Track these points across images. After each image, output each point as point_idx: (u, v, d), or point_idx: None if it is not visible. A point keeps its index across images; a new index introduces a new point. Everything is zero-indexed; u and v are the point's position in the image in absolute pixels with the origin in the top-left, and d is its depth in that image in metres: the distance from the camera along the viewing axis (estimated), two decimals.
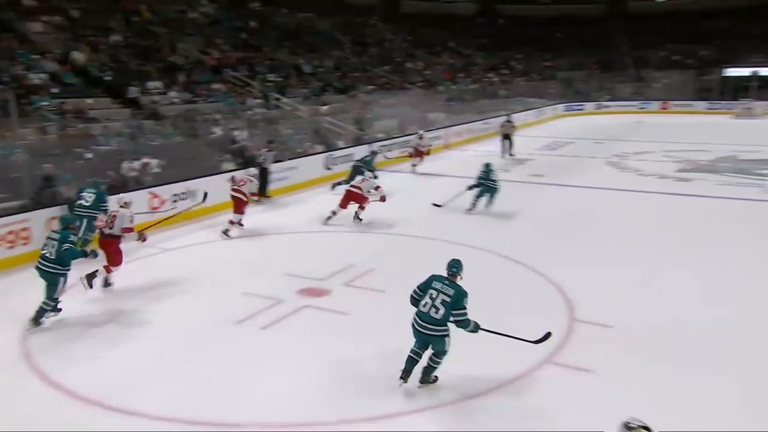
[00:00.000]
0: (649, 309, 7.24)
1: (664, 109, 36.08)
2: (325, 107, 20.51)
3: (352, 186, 11.38)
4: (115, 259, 7.64)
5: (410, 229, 10.92)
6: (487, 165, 12.19)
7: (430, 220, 11.82)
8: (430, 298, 5.10)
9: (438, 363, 5.27)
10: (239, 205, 10.42)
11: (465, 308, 5.08)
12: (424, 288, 5.22)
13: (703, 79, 38.23)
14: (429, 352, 5.28)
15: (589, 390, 5.42)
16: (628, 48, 42.84)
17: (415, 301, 5.25)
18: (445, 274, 5.26)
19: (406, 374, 5.25)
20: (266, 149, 13.41)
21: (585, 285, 7.87)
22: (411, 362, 5.25)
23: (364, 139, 18.72)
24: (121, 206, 7.81)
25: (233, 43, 23.46)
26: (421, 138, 16.67)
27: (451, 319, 5.07)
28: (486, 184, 11.94)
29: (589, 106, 37.52)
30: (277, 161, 13.68)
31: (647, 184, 15.34)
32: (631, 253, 9.38)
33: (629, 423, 3.50)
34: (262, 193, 12.81)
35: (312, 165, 15.41)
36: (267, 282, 8.14)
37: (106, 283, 7.75)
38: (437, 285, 5.13)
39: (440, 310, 5.02)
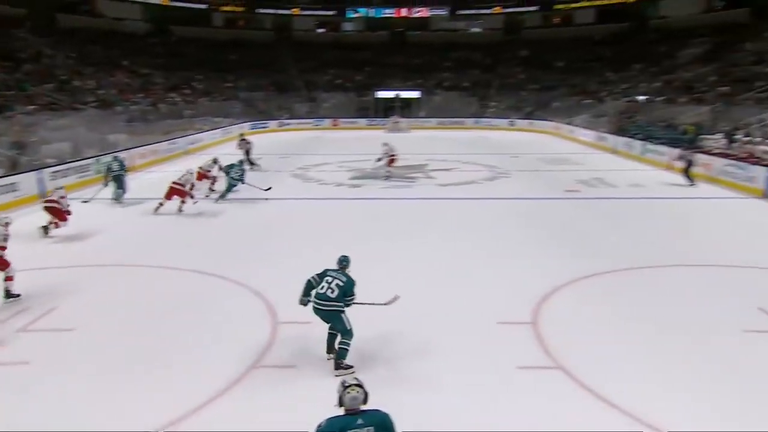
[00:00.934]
0: None
1: (335, 125, 40.33)
2: None
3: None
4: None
5: (100, 258, 10.08)
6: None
7: (124, 244, 11.13)
8: (326, 282, 6.10)
9: (346, 344, 6.04)
10: None
11: (354, 294, 6.16)
12: (321, 276, 6.23)
13: (361, 99, 44.48)
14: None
15: (294, 384, 5.83)
16: (298, 72, 46.82)
17: (310, 285, 6.24)
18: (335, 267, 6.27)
19: (329, 348, 6.25)
20: None
21: (284, 288, 8.28)
22: (331, 337, 6.26)
23: (30, 164, 16.46)
24: None
25: None
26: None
27: (345, 300, 6.07)
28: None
29: (272, 123, 39.68)
30: None
31: (328, 192, 16.93)
32: (323, 253, 10.12)
33: (345, 382, 3.85)
34: None
35: None
36: None
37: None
38: (332, 273, 6.20)
39: (335, 291, 6.02)
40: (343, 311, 6.09)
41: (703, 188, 16.69)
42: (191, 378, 5.89)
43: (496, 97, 43.71)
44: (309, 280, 6.29)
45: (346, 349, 6.06)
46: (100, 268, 9.57)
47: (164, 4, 47.94)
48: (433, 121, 40.50)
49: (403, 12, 52.10)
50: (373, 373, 5.89)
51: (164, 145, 24.02)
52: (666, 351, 6.53)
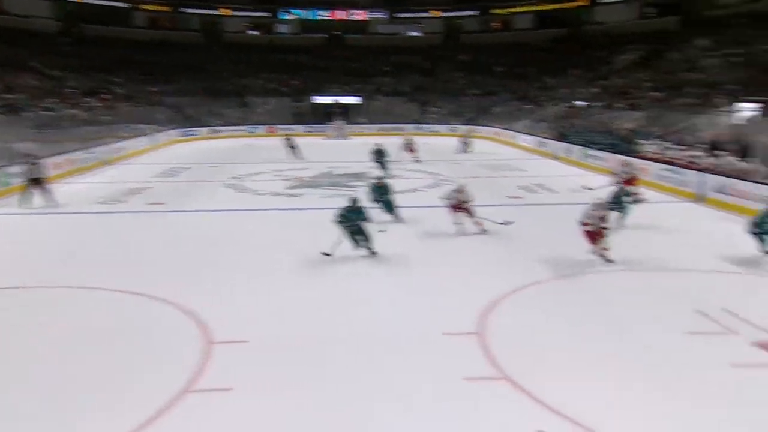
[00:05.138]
0: (281, 321, 7.84)
1: (271, 132, 39.62)
2: None
3: None
4: None
5: (14, 277, 9.58)
6: None
7: (39, 262, 10.64)
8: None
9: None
10: None
11: None
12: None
13: (297, 105, 44.04)
14: None
15: (232, 405, 5.67)
16: (229, 75, 46.02)
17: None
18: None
19: None
20: None
21: (218, 306, 8.16)
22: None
23: None
24: None
25: None
26: None
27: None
28: None
29: (203, 130, 38.96)
30: None
31: (264, 202, 16.71)
32: (260, 268, 10.08)
33: None
34: None
35: None
36: None
37: None
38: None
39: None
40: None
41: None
42: (116, 408, 5.64)
43: (437, 103, 44.31)
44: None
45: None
46: (13, 289, 9.10)
47: (77, 1, 46.37)
48: (374, 127, 40.41)
49: (340, 14, 52.20)
50: (318, 390, 5.88)
51: (80, 154, 23.05)
52: (610, 356, 6.79)
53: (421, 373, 6.39)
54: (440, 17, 53.39)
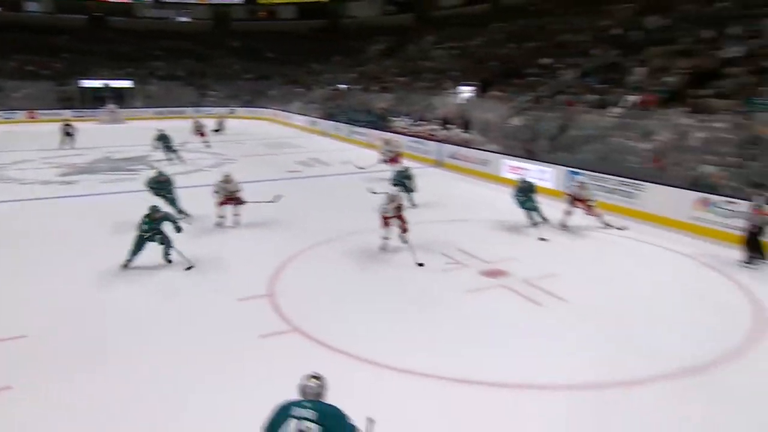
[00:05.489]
0: (62, 315, 7.10)
1: (32, 118, 33.94)
2: None
3: None
4: None
5: None
6: None
7: None
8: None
9: None
10: None
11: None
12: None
13: (62, 89, 37.68)
14: None
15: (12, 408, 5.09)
16: None
17: None
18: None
19: None
20: None
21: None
22: None
23: None
24: None
25: None
26: None
27: None
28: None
29: None
30: None
31: (32, 192, 14.44)
32: (35, 262, 8.97)
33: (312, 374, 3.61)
34: None
35: None
36: None
37: None
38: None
39: None
40: None
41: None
42: None
43: (213, 87, 42.16)
44: None
45: None
46: None
47: None
48: (151, 111, 36.63)
49: None
50: (122, 367, 5.58)
51: None
52: (381, 297, 7.53)
53: (222, 336, 6.40)
54: (207, 4, 50.25)
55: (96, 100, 36.72)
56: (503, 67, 24.10)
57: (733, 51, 15.51)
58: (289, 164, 18.67)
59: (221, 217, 10.82)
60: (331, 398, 3.67)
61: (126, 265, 8.41)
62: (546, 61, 22.06)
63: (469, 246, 9.43)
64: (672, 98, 15.04)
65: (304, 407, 3.42)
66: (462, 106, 21.62)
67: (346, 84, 34.68)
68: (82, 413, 4.97)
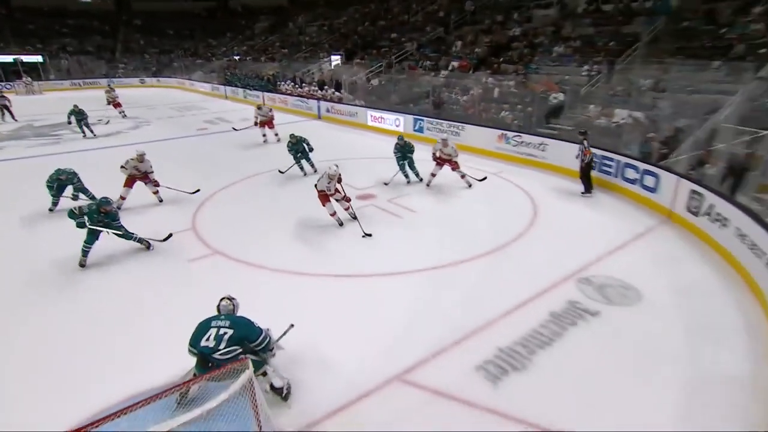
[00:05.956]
0: None
1: None
2: None
3: None
4: None
5: None
6: None
7: None
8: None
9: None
10: None
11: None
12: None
13: None
14: None
15: None
16: None
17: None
18: None
19: None
20: None
21: None
22: None
23: None
24: None
25: None
26: None
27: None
28: None
29: None
30: None
31: None
32: None
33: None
34: None
35: None
36: None
37: None
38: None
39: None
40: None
41: (280, 116, 17.38)
42: None
43: (122, 60, 36.19)
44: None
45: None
46: None
47: None
48: (66, 83, 30.87)
49: None
50: (68, 295, 4.88)
51: None
52: (289, 227, 7.19)
53: (158, 264, 5.80)
54: None
55: (12, 73, 29.92)
56: (362, 40, 23.22)
57: (515, 31, 16.31)
58: (198, 123, 16.88)
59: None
60: (252, 299, 3.56)
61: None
62: (393, 36, 21.64)
63: (348, 178, 9.25)
64: (479, 64, 15.61)
65: (221, 319, 3.48)
66: (333, 71, 20.74)
67: (238, 55, 31.65)
68: (42, 340, 4.34)
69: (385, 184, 8.96)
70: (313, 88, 19.61)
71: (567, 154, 8.93)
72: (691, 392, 3.68)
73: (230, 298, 3.69)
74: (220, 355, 3.29)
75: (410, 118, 13.48)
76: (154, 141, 13.74)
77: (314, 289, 5.22)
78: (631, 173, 7.94)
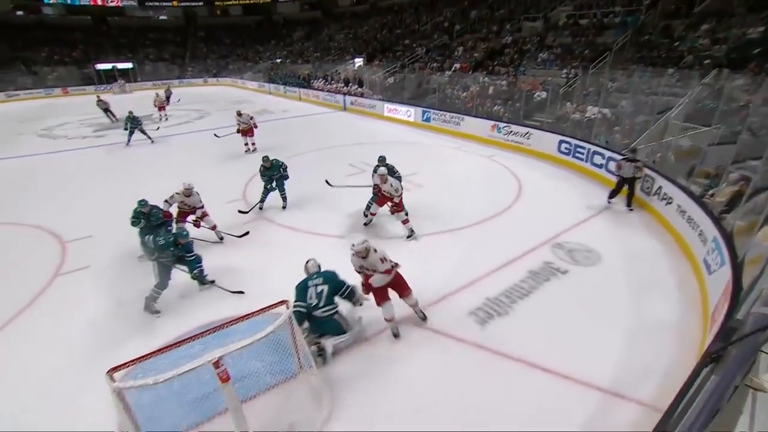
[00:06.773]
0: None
1: (66, 93, 27.29)
2: None
3: None
4: None
5: None
6: None
7: None
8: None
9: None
10: None
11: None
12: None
13: (83, 71, 29.65)
14: None
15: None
16: (9, 50, 29.33)
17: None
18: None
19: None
20: None
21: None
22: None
23: None
24: None
25: None
26: None
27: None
28: None
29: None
30: None
31: (75, 144, 11.96)
32: (101, 191, 7.52)
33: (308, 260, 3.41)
34: None
35: None
36: None
37: None
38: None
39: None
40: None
41: (307, 108, 16.83)
42: None
43: (190, 65, 35.66)
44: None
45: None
46: None
47: None
48: (149, 83, 30.60)
49: (99, 1, 36.12)
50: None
51: None
52: (317, 200, 7.01)
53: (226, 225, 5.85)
54: (178, 6, 40.76)
55: (110, 77, 29.91)
56: (380, 46, 22.30)
57: (507, 39, 15.42)
58: (250, 113, 16.64)
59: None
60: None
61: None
62: (406, 42, 20.69)
63: (367, 159, 9.02)
64: (477, 66, 14.91)
65: (314, 278, 3.38)
66: (356, 71, 20.12)
67: (280, 59, 30.82)
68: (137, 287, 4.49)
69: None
70: (340, 85, 19.12)
71: (548, 142, 8.61)
72: (634, 330, 3.70)
73: (313, 259, 3.58)
74: (321, 312, 3.25)
75: (419, 110, 13.09)
76: (212, 129, 13.65)
77: (324, 246, 5.17)
78: (598, 159, 7.65)
